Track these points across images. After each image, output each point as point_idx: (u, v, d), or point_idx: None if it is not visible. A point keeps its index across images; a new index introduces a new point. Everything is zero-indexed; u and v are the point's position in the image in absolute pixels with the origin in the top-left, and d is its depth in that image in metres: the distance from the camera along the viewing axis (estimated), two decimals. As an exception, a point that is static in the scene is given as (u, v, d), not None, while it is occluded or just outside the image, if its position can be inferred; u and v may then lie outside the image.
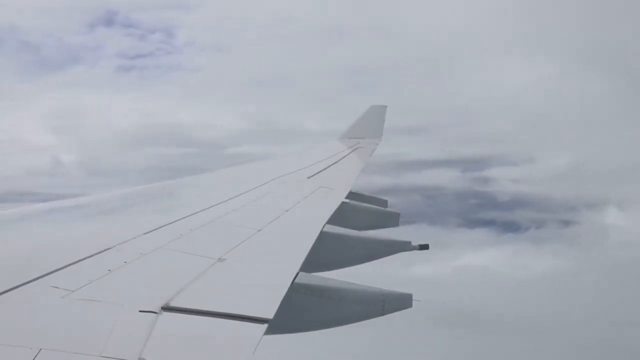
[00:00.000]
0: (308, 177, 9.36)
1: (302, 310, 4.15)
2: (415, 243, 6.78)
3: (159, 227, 4.82)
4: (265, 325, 3.01)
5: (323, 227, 5.84)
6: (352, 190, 8.86)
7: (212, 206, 6.07)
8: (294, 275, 4.00)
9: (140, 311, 2.97)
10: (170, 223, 5.04)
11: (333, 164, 11.28)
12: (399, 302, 4.76)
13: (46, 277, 3.28)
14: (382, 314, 4.66)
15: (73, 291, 3.13)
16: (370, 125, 16.03)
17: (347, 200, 7.97)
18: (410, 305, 4.80)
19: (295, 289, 3.88)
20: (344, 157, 12.41)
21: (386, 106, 17.23)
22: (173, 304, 3.13)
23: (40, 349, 2.45)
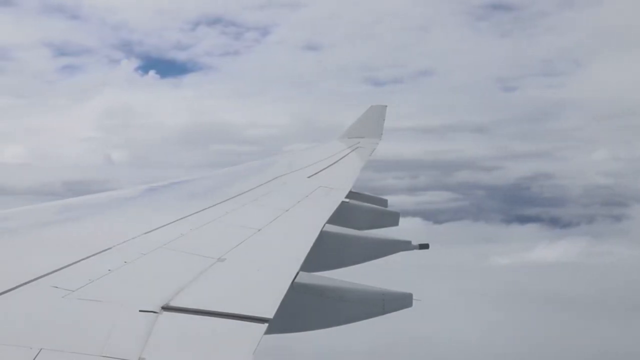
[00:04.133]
0: (308, 177, 9.36)
1: (302, 310, 4.15)
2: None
3: (159, 227, 4.82)
4: (266, 325, 3.01)
5: (323, 226, 5.84)
6: (352, 190, 8.87)
7: (212, 206, 6.08)
8: (294, 275, 4.00)
9: (140, 311, 2.97)
10: (171, 223, 5.04)
11: (333, 163, 11.28)
12: (399, 301, 4.75)
13: (46, 277, 3.28)
14: (383, 314, 4.66)
15: (73, 291, 3.13)
16: (371, 125, 16.01)
17: (347, 200, 7.97)
18: (410, 305, 4.79)
19: (295, 288, 3.87)
20: (344, 157, 12.41)
21: (386, 106, 17.21)
22: (173, 303, 3.13)
23: (41, 349, 2.45)
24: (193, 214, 5.55)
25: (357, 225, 7.07)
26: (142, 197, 6.98)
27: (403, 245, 6.75)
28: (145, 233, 4.56)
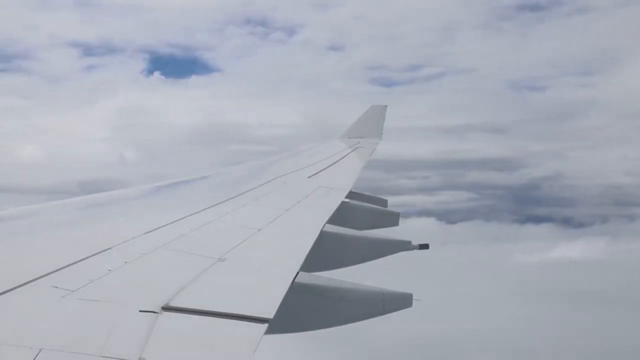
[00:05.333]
0: (308, 177, 9.36)
1: (302, 310, 4.15)
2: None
3: (159, 227, 4.82)
4: (266, 325, 3.01)
5: (323, 226, 5.84)
6: (352, 190, 8.87)
7: (212, 205, 6.08)
8: (294, 275, 4.00)
9: (140, 311, 2.97)
10: (171, 223, 5.04)
11: (333, 163, 11.28)
12: (399, 301, 4.76)
13: (46, 277, 3.28)
14: (383, 314, 4.66)
15: (73, 291, 3.13)
16: (371, 125, 16.02)
17: (347, 200, 7.97)
18: (410, 305, 4.79)
19: (295, 289, 3.88)
20: (344, 157, 12.41)
21: (386, 106, 17.23)
22: (173, 303, 3.13)
23: (41, 349, 2.45)
24: (193, 214, 5.55)
25: (357, 226, 7.06)
26: (142, 196, 6.98)
27: (403, 246, 6.75)
28: (145, 233, 4.56)
